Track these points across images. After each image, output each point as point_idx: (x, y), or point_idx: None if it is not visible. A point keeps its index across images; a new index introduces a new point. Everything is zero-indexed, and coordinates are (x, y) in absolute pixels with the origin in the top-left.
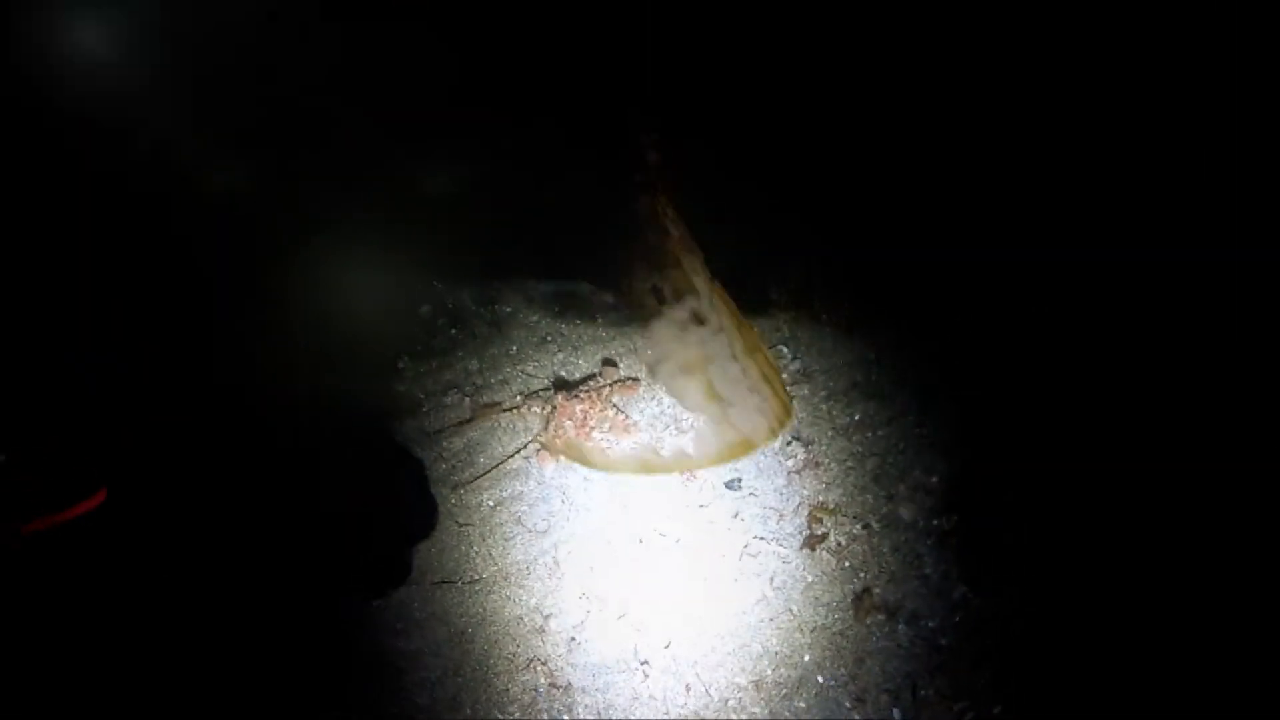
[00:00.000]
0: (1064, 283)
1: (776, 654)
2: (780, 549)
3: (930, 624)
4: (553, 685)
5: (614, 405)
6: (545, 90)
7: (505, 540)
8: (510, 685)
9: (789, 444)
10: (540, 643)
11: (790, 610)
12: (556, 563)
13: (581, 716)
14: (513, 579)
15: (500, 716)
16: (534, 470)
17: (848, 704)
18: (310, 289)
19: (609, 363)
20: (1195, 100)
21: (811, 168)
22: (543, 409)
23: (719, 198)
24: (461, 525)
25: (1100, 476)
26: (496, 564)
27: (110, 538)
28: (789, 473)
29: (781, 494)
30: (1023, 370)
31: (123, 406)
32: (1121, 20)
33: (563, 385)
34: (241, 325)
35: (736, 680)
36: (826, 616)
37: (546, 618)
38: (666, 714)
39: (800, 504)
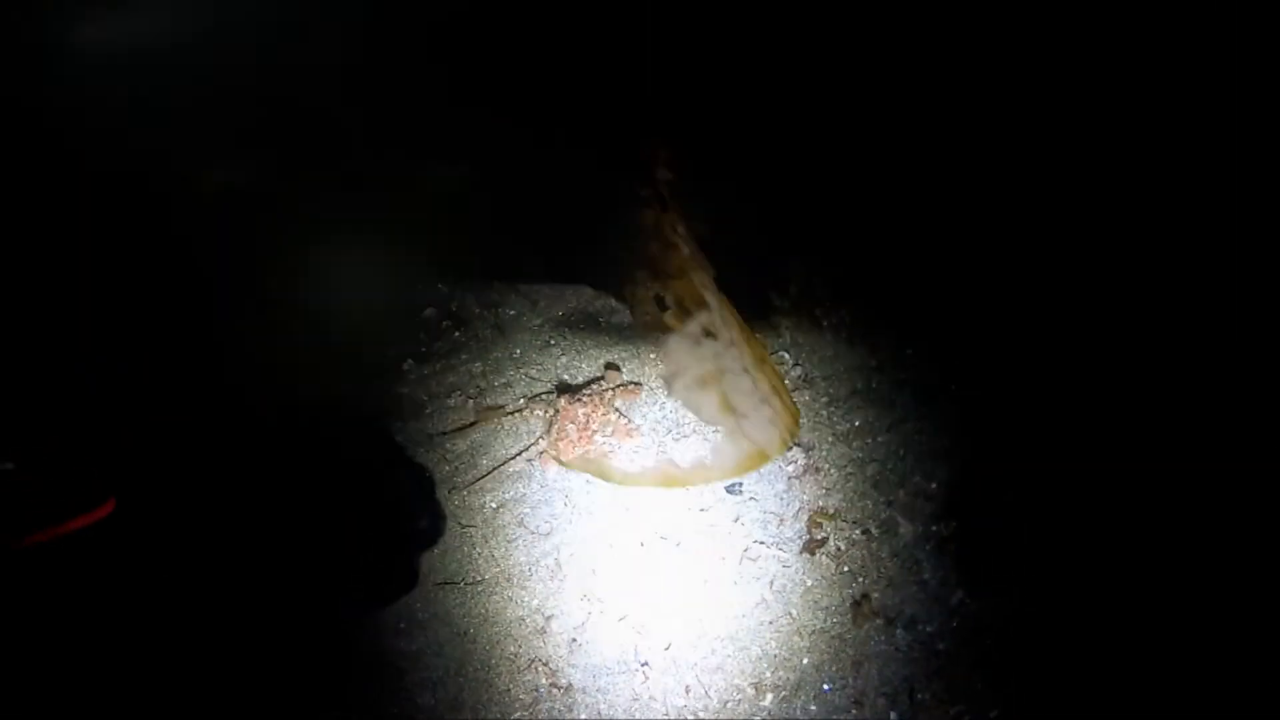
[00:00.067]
0: (1064, 283)
1: (775, 657)
2: (780, 553)
3: (928, 628)
4: (554, 686)
5: (616, 409)
6: (545, 90)
7: (508, 542)
8: (512, 685)
9: (790, 449)
10: (542, 644)
11: (789, 614)
12: (559, 565)
13: (582, 717)
14: (515, 580)
15: (502, 716)
16: (537, 473)
17: (846, 707)
18: (312, 290)
19: (612, 366)
20: (1195, 100)
21: (812, 170)
22: (546, 412)
23: (719, 201)
24: (464, 527)
25: (1100, 477)
26: (499, 565)
27: (111, 538)
28: (789, 478)
29: (782, 499)
30: (1023, 372)
31: (123, 407)
32: (1122, 21)
33: (566, 389)
34: (242, 326)
35: (736, 682)
36: (825, 620)
37: (548, 619)
38: (666, 715)
39: (800, 509)
